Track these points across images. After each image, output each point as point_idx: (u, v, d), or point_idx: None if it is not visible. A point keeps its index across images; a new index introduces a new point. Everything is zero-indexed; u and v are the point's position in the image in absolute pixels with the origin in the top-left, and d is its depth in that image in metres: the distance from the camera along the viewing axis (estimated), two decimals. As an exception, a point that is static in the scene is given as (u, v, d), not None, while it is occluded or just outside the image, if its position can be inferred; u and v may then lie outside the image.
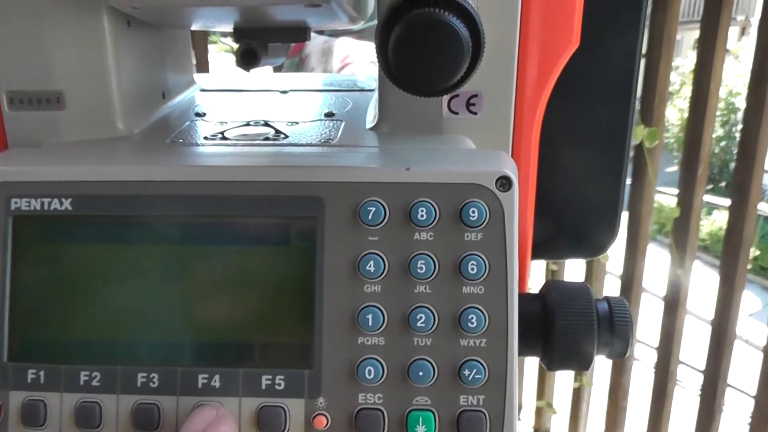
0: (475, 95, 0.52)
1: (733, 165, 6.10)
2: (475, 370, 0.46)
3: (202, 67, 1.74)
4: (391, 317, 0.46)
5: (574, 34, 0.52)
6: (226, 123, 0.59)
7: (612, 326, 0.51)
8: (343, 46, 1.69)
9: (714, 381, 1.84)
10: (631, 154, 1.72)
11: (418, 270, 0.46)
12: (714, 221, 5.40)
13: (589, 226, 0.59)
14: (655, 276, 2.12)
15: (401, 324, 0.46)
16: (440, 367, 0.46)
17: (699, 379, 1.93)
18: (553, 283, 0.52)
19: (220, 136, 0.56)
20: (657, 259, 2.14)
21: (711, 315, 1.81)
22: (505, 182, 0.46)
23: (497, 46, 0.50)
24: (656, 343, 1.95)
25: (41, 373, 0.47)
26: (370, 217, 0.46)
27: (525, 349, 0.50)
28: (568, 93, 0.55)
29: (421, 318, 0.46)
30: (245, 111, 0.64)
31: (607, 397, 2.10)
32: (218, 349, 0.47)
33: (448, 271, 0.46)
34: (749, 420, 1.88)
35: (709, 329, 1.84)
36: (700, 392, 1.91)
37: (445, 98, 0.52)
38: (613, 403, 2.09)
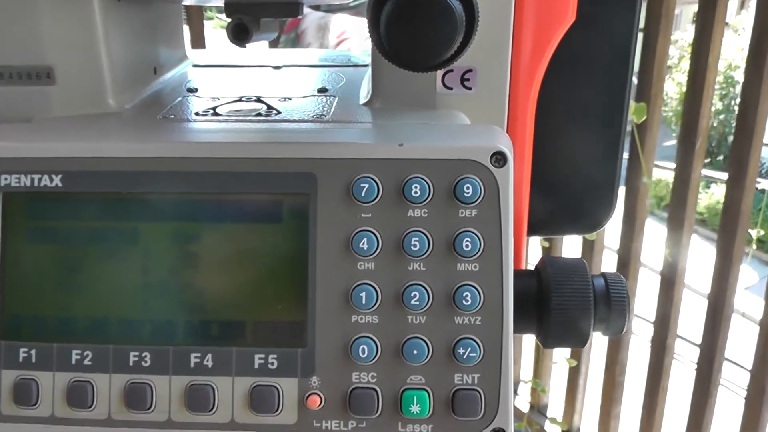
0: (470, 70, 0.51)
1: (731, 138, 6.07)
2: (469, 348, 0.45)
3: (198, 43, 1.73)
4: (385, 295, 0.46)
5: (570, 9, 0.51)
6: (218, 99, 0.58)
7: (609, 303, 0.51)
8: (340, 22, 1.68)
9: (710, 356, 1.84)
10: (629, 128, 1.71)
11: (412, 247, 0.45)
12: (711, 194, 5.39)
13: (586, 202, 0.59)
14: (652, 250, 2.12)
15: (395, 302, 0.46)
16: (434, 346, 0.46)
17: (695, 353, 1.94)
18: (548, 259, 0.52)
19: (211, 111, 0.55)
20: (654, 234, 2.14)
21: (708, 288, 1.81)
22: (499, 158, 0.45)
23: (492, 20, 0.49)
24: (653, 318, 1.95)
25: (33, 352, 0.47)
26: (363, 194, 0.45)
27: (520, 327, 0.49)
28: (564, 67, 0.54)
29: (415, 296, 0.45)
30: (237, 86, 0.63)
31: (604, 372, 2.11)
32: (211, 327, 0.47)
33: (442, 248, 0.46)
34: (745, 394, 1.88)
35: (705, 302, 1.84)
36: (696, 367, 1.91)
37: (439, 73, 0.52)
38: (610, 378, 2.09)
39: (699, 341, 1.88)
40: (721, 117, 6.53)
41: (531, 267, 0.52)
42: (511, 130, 0.53)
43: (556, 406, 2.39)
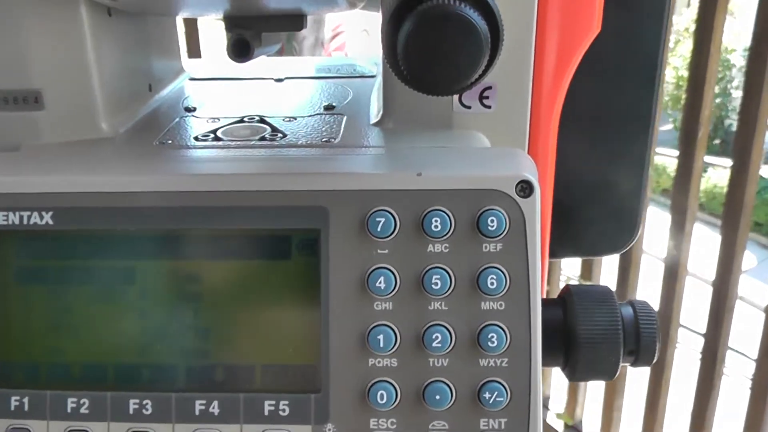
0: (489, 87, 0.48)
1: (728, 122, 6.06)
2: (496, 392, 0.42)
3: (193, 51, 1.68)
4: (404, 337, 0.43)
5: (595, 19, 0.48)
6: (218, 119, 0.55)
7: (638, 335, 0.48)
8: (335, 16, 1.64)
9: (714, 345, 1.82)
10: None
11: (433, 285, 0.42)
12: (708, 179, 5.37)
13: (609, 222, 0.55)
14: (652, 237, 2.09)
15: (415, 344, 0.43)
16: (458, 390, 0.43)
17: (693, 340, 1.92)
18: (574, 288, 0.49)
19: (212, 136, 0.52)
20: (654, 220, 2.11)
21: (708, 274, 1.79)
22: (525, 187, 0.42)
23: (513, 35, 0.46)
24: (656, 308, 1.92)
25: (25, 400, 0.44)
26: (379, 229, 0.42)
27: (545, 360, 0.46)
28: (586, 81, 0.50)
29: (436, 337, 0.42)
30: (238, 104, 0.59)
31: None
32: (216, 372, 0.44)
33: (465, 286, 0.42)
34: (742, 380, 1.86)
35: (706, 288, 1.81)
36: (700, 356, 1.89)
37: (454, 94, 0.48)
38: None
39: (697, 328, 1.86)
40: (717, 101, 6.47)
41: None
42: (533, 150, 0.50)
43: (558, 399, 2.37)
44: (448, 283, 0.42)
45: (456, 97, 0.48)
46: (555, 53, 0.48)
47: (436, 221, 0.42)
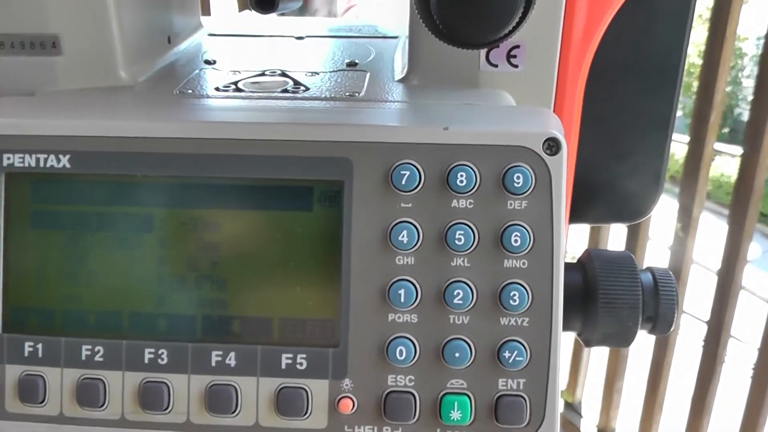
0: (517, 46, 0.47)
1: (737, 111, 6.04)
2: (516, 351, 0.42)
3: (203, 8, 1.67)
4: (425, 292, 0.42)
5: (628, -21, 0.47)
6: (239, 72, 0.54)
7: (657, 301, 0.48)
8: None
9: (717, 332, 1.82)
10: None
11: (456, 241, 0.42)
12: (716, 167, 5.35)
13: (630, 189, 0.55)
14: (657, 223, 2.09)
15: (436, 300, 0.42)
16: (478, 348, 0.42)
17: (699, 327, 1.92)
18: (594, 252, 0.49)
19: (233, 87, 0.51)
20: (659, 206, 2.10)
21: (711, 262, 1.78)
22: (553, 144, 0.41)
23: None
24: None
25: (39, 346, 0.44)
26: (403, 182, 0.41)
27: (564, 325, 0.46)
28: (613, 45, 0.50)
29: (458, 294, 0.42)
30: (259, 59, 0.58)
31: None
32: (234, 323, 0.43)
33: (488, 243, 0.42)
34: (748, 370, 1.86)
35: (708, 275, 1.81)
36: (703, 342, 1.89)
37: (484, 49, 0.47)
38: (614, 352, 2.07)
39: (700, 315, 1.86)
40: (728, 89, 6.44)
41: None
42: (558, 111, 0.49)
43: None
44: (472, 239, 0.42)
45: (483, 55, 0.48)
46: (585, 13, 0.47)
47: (461, 176, 0.41)
